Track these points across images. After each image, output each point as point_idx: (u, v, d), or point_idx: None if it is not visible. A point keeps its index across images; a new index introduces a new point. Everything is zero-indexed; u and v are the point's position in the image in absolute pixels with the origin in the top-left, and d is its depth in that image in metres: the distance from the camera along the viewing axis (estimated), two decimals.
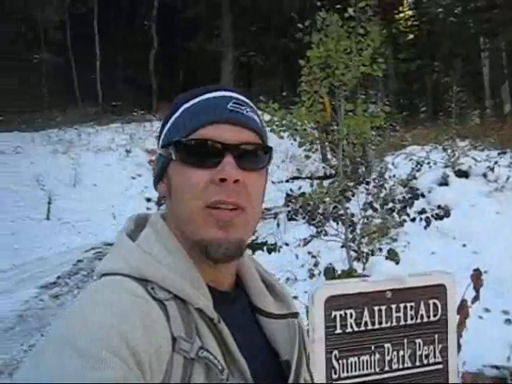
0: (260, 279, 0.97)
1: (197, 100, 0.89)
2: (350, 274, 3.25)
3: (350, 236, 4.13)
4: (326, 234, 4.38)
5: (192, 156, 0.84)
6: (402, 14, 26.76)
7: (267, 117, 4.58)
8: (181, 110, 0.89)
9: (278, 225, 8.69)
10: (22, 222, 11.28)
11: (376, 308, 1.83)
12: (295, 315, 0.97)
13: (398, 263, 3.49)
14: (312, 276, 5.28)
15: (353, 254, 4.33)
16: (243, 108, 0.88)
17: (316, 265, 5.38)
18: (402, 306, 1.88)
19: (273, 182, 19.96)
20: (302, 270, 6.09)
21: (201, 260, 0.85)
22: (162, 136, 0.92)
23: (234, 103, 0.87)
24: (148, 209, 12.55)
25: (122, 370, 0.66)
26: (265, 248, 6.09)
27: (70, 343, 0.67)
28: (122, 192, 14.06)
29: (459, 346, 2.82)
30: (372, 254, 3.79)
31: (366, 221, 4.61)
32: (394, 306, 1.86)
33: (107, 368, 0.65)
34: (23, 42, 22.66)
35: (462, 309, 3.15)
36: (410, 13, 26.93)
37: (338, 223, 4.05)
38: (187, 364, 0.75)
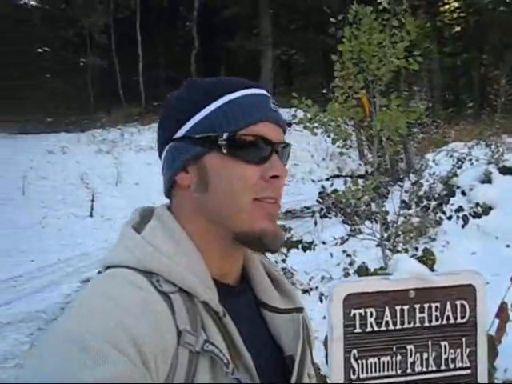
0: (265, 273, 0.97)
1: (241, 94, 0.87)
2: (383, 270, 3.16)
3: (385, 235, 4.02)
4: (360, 233, 4.29)
5: (244, 151, 0.84)
6: (447, 6, 25.93)
7: (301, 113, 4.53)
8: (224, 99, 0.86)
9: (316, 223, 8.62)
10: (67, 219, 11.70)
11: (398, 308, 1.74)
12: (300, 310, 0.96)
13: (433, 263, 3.37)
14: (347, 275, 5.20)
15: (388, 253, 4.23)
16: (277, 107, 0.91)
17: (351, 264, 5.29)
18: (426, 306, 1.78)
19: (313, 181, 19.86)
20: (338, 269, 6.00)
21: (212, 252, 0.85)
22: (194, 123, 0.85)
23: (272, 103, 0.89)
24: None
25: (126, 365, 0.66)
26: (300, 246, 6.04)
27: (73, 338, 0.67)
28: (162, 190, 14.31)
29: (496, 352, 2.68)
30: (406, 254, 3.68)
31: (403, 219, 4.49)
32: (417, 306, 1.77)
33: (111, 364, 0.65)
34: (71, 47, 23.48)
35: (502, 312, 3.00)
36: (455, 4, 26.05)
37: (371, 222, 3.95)
38: (192, 357, 0.74)
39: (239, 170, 0.83)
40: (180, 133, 0.86)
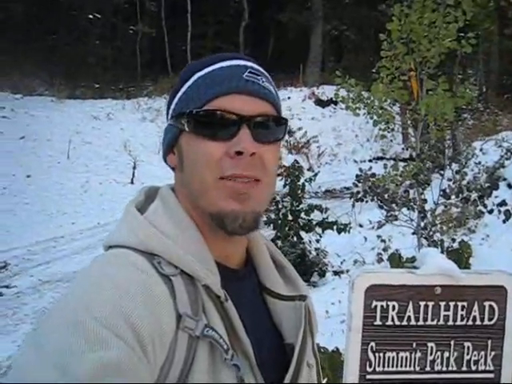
0: (270, 259, 0.94)
1: (211, 68, 0.84)
2: (414, 262, 3.07)
3: (422, 223, 3.90)
4: (396, 219, 4.18)
5: (206, 128, 0.81)
6: None
7: (343, 92, 4.40)
8: (193, 78, 0.85)
9: (353, 205, 8.49)
10: (109, 185, 12.01)
11: (422, 303, 1.67)
12: (303, 298, 0.93)
13: (469, 256, 3.24)
14: (380, 260, 5.10)
15: (424, 241, 4.11)
16: (259, 78, 0.84)
17: (385, 250, 5.19)
18: (451, 304, 1.70)
19: (355, 161, 19.50)
20: (372, 254, 5.91)
21: (213, 234, 0.82)
22: (173, 106, 0.88)
23: (249, 72, 0.83)
24: None
25: (124, 349, 0.65)
26: (334, 228, 5.98)
27: (70, 321, 0.66)
28: None
29: None
30: (441, 245, 3.56)
31: (443, 208, 4.34)
32: (442, 304, 1.69)
33: (107, 348, 0.64)
34: (121, 15, 23.70)
35: None
36: None
37: (408, 209, 3.83)
38: (192, 342, 0.73)
39: (202, 148, 0.81)
40: (168, 116, 0.88)
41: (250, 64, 0.86)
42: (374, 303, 1.74)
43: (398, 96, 3.93)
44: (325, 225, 6.34)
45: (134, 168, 12.50)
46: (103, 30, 23.18)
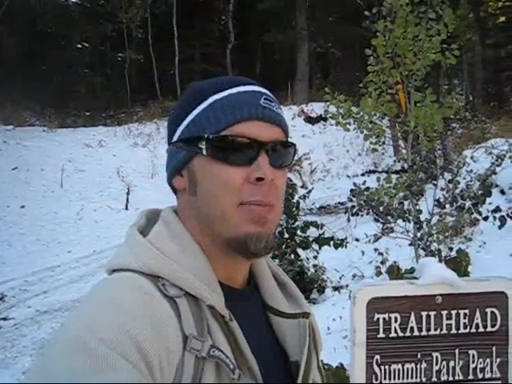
0: (273, 277, 0.95)
1: (227, 93, 0.84)
2: (413, 273, 3.08)
3: (418, 234, 3.91)
4: (392, 231, 4.20)
5: (226, 152, 0.81)
6: None
7: (333, 109, 4.45)
8: (209, 101, 0.84)
9: (349, 220, 8.51)
10: (103, 212, 11.97)
11: (424, 313, 1.68)
12: (306, 315, 0.94)
13: (467, 264, 3.26)
14: (379, 274, 5.10)
15: (421, 252, 4.12)
16: (273, 104, 0.86)
17: (383, 262, 5.19)
18: (453, 312, 1.71)
19: (348, 176, 19.60)
20: (370, 267, 5.91)
21: (220, 257, 0.83)
22: (182, 127, 0.86)
23: (265, 99, 0.85)
24: None
25: (131, 372, 0.65)
26: (331, 243, 5.98)
27: (77, 345, 0.66)
28: None
29: None
30: (439, 254, 3.57)
31: (438, 218, 4.36)
32: (444, 313, 1.70)
33: (115, 370, 0.64)
34: (109, 42, 23.94)
35: None
36: None
37: (404, 220, 3.85)
38: (198, 363, 0.73)
39: (221, 173, 0.81)
40: (174, 137, 0.87)
41: (263, 90, 0.87)
42: (377, 316, 1.73)
43: (386, 109, 3.98)
44: (321, 241, 6.34)
45: (128, 194, 12.49)
46: (92, 58, 23.38)
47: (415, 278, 1.98)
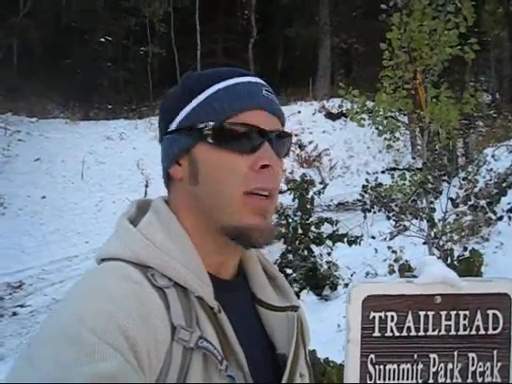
0: (262, 270, 0.95)
1: (231, 82, 0.85)
2: None
3: (432, 233, 3.83)
4: (406, 230, 4.12)
5: (232, 140, 0.82)
6: None
7: (348, 104, 4.39)
8: (212, 89, 0.84)
9: (365, 217, 8.42)
10: (122, 204, 12.09)
11: (422, 313, 1.62)
12: (295, 308, 0.94)
13: (480, 265, 3.17)
14: (392, 272, 5.03)
15: (436, 251, 4.04)
16: (272, 96, 0.88)
17: (397, 260, 5.11)
18: (453, 313, 1.65)
19: (368, 173, 19.39)
20: (383, 265, 5.83)
21: (212, 247, 0.83)
22: (183, 115, 0.85)
23: (266, 90, 0.86)
24: None
25: (118, 361, 0.65)
26: (345, 240, 5.92)
27: (65, 334, 0.66)
28: None
29: None
30: (451, 254, 3.48)
31: (455, 217, 4.27)
32: (443, 313, 1.64)
33: (103, 360, 0.64)
34: (132, 36, 24.14)
35: None
36: None
37: (417, 218, 3.78)
38: (186, 353, 0.74)
39: (227, 161, 0.81)
40: (172, 125, 0.86)
41: (263, 82, 0.89)
42: (372, 314, 1.70)
43: (402, 105, 3.90)
44: (335, 237, 6.28)
45: (147, 186, 12.60)
46: (115, 52, 23.61)
47: (414, 276, 1.93)
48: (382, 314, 1.70)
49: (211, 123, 0.82)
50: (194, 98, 0.84)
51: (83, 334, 0.65)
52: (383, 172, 18.07)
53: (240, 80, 0.85)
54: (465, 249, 3.80)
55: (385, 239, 6.02)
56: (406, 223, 3.93)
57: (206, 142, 0.82)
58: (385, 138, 4.09)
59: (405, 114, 4.66)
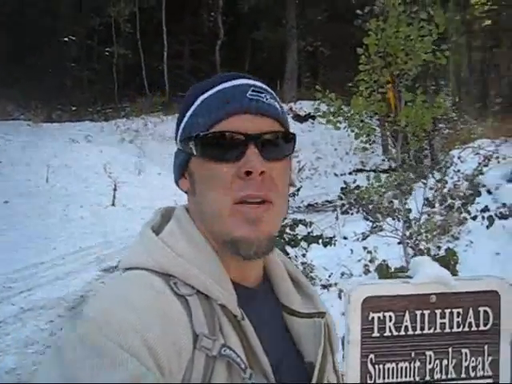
0: (288, 276, 0.94)
1: (214, 90, 0.84)
2: (403, 272, 3.10)
3: (407, 233, 3.94)
4: (381, 230, 4.22)
5: (214, 150, 0.80)
6: None
7: (324, 107, 4.45)
8: (197, 102, 0.85)
9: (337, 218, 8.52)
10: (89, 208, 11.84)
11: (418, 312, 1.69)
12: (322, 315, 0.92)
13: (456, 263, 3.28)
14: (367, 272, 5.12)
15: (410, 251, 4.14)
16: (262, 95, 0.84)
17: (372, 261, 5.21)
18: (447, 311, 1.73)
19: (335, 175, 19.70)
20: (358, 266, 5.92)
21: (228, 256, 0.82)
22: (180, 130, 0.88)
23: (252, 91, 0.83)
24: None
25: (140, 370, 0.65)
26: (320, 241, 5.98)
27: (87, 342, 0.66)
28: None
29: None
30: (428, 253, 3.59)
31: (427, 217, 4.39)
32: (438, 312, 1.72)
33: (124, 368, 0.64)
34: (97, 37, 23.68)
35: None
36: None
37: (393, 219, 3.87)
38: (209, 362, 0.73)
39: (212, 171, 0.81)
40: (177, 140, 0.89)
41: (252, 82, 0.86)
42: (371, 315, 1.74)
43: (377, 108, 3.99)
44: (310, 239, 6.32)
45: (115, 190, 12.38)
46: (79, 52, 23.12)
47: (409, 277, 1.98)
48: (381, 315, 1.74)
49: (193, 135, 0.82)
50: (187, 111, 0.86)
51: (104, 342, 0.65)
52: (350, 173, 18.38)
53: (223, 86, 0.84)
54: (438, 248, 3.92)
55: (358, 239, 6.12)
56: (382, 223, 4.02)
57: (195, 155, 0.83)
58: (361, 141, 4.18)
59: (377, 118, 4.75)
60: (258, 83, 0.87)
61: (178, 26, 23.71)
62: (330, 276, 5.60)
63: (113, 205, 12.22)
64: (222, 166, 0.80)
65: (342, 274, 5.90)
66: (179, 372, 0.70)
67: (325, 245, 6.04)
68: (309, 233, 6.37)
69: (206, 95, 0.84)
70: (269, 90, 0.88)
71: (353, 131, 4.28)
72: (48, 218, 11.01)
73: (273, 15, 24.60)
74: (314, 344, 0.88)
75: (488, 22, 25.05)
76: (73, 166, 13.74)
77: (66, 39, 22.37)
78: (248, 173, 0.78)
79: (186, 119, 0.86)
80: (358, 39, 4.18)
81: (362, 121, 4.09)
